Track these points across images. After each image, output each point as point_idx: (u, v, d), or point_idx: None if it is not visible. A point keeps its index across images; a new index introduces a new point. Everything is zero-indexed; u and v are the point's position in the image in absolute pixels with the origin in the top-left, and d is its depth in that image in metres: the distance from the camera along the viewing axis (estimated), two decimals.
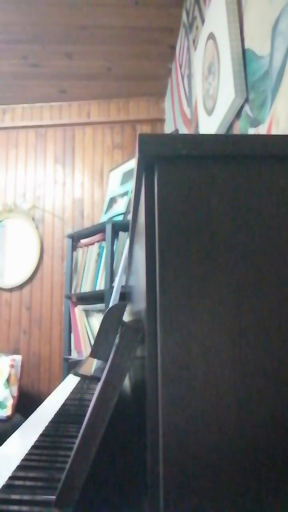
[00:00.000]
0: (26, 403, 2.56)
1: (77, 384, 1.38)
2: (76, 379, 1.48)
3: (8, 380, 2.39)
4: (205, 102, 1.56)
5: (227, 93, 1.24)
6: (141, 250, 0.49)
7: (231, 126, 1.31)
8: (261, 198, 0.41)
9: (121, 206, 2.48)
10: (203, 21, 1.70)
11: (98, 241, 2.41)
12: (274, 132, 0.95)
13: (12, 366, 2.45)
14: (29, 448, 0.70)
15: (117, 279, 1.97)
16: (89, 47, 2.45)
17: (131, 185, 2.49)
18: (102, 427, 0.42)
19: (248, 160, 0.42)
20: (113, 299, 1.90)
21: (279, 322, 0.39)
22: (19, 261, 2.90)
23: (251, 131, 1.11)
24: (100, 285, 2.31)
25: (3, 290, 2.88)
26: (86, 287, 2.40)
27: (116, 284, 1.96)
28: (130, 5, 2.11)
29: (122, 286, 1.90)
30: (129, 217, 2.07)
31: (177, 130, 2.36)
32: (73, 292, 2.53)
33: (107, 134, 3.02)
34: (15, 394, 2.40)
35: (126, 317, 1.06)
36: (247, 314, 0.39)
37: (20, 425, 0.86)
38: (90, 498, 0.46)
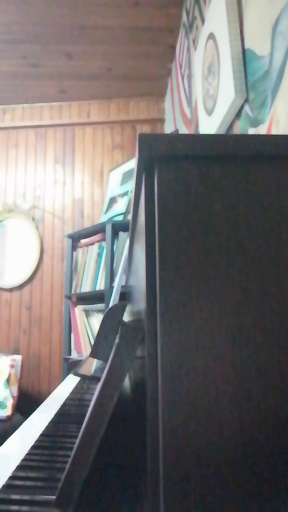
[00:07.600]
0: (26, 403, 2.56)
1: (77, 384, 1.38)
2: (76, 379, 1.48)
3: (8, 380, 2.39)
4: (205, 102, 1.56)
5: (227, 93, 1.24)
6: (141, 250, 0.49)
7: (231, 126, 1.31)
8: (261, 198, 0.41)
9: (121, 206, 2.48)
10: (203, 21, 1.70)
11: (98, 241, 2.41)
12: (274, 132, 0.95)
13: (12, 366, 2.45)
14: (29, 448, 0.70)
15: (117, 279, 1.97)
16: (89, 47, 2.45)
17: (131, 185, 2.49)
18: (102, 427, 0.42)
19: (248, 160, 0.42)
20: (113, 299, 1.90)
21: (279, 321, 0.39)
22: (19, 261, 2.90)
23: (251, 131, 1.11)
24: (100, 285, 2.31)
25: (3, 290, 2.88)
26: (86, 287, 2.40)
27: (116, 284, 1.96)
28: (130, 5, 2.11)
29: (122, 286, 1.90)
30: (129, 217, 2.07)
31: (177, 130, 2.36)
32: (73, 292, 2.53)
33: (107, 134, 3.02)
34: (15, 394, 2.40)
35: (126, 317, 1.06)
36: (247, 314, 0.39)
37: (20, 425, 0.86)
38: (90, 498, 0.46)
